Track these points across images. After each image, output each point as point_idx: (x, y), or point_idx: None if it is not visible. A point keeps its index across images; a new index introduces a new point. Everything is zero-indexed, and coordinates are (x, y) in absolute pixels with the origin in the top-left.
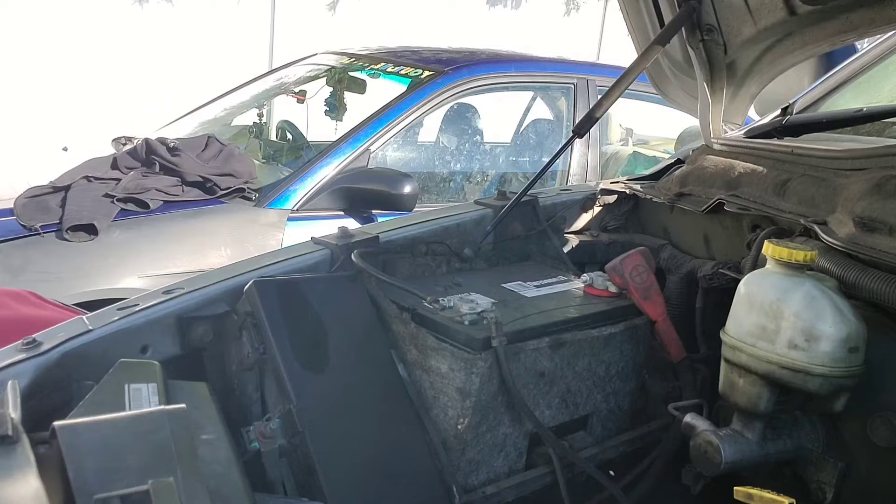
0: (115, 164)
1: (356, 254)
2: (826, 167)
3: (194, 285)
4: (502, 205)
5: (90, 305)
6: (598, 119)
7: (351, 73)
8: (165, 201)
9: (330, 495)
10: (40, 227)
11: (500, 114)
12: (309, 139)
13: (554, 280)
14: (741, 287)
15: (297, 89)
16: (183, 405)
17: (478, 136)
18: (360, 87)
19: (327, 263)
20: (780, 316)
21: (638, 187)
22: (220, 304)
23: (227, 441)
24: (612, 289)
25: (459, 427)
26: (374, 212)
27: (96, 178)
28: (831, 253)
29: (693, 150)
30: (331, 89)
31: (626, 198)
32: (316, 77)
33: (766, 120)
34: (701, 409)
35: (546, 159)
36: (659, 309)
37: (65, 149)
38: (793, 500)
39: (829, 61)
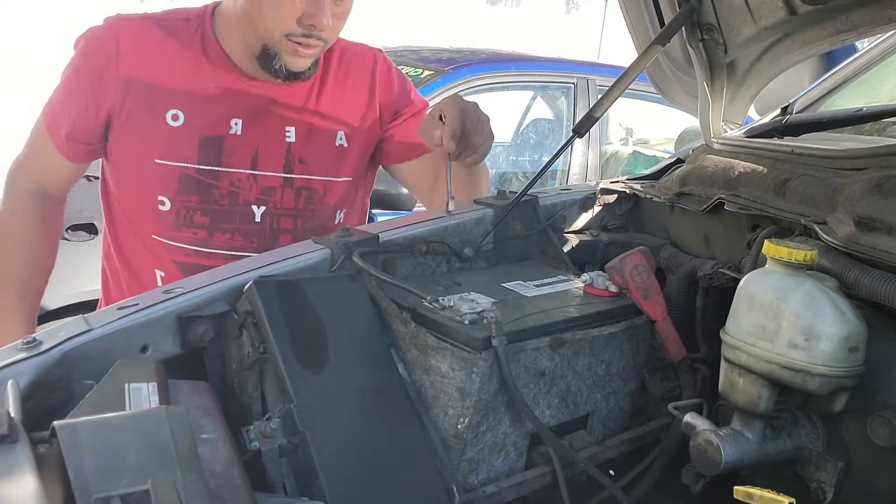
0: None
1: (356, 253)
2: (826, 167)
3: (194, 284)
4: (502, 204)
5: (90, 305)
6: (598, 119)
7: None
8: None
9: (330, 495)
10: None
11: (500, 113)
12: None
13: (554, 280)
14: (741, 287)
15: None
16: (183, 405)
17: None
18: None
19: (327, 263)
20: (779, 315)
21: (638, 187)
22: (221, 303)
23: (228, 441)
24: (613, 288)
25: (459, 427)
26: (373, 211)
27: (96, 178)
28: (831, 252)
29: (693, 150)
30: None
31: (627, 197)
32: None
33: (766, 119)
34: (701, 408)
35: (546, 159)
36: (659, 308)
37: None
38: (793, 500)
39: (829, 61)
